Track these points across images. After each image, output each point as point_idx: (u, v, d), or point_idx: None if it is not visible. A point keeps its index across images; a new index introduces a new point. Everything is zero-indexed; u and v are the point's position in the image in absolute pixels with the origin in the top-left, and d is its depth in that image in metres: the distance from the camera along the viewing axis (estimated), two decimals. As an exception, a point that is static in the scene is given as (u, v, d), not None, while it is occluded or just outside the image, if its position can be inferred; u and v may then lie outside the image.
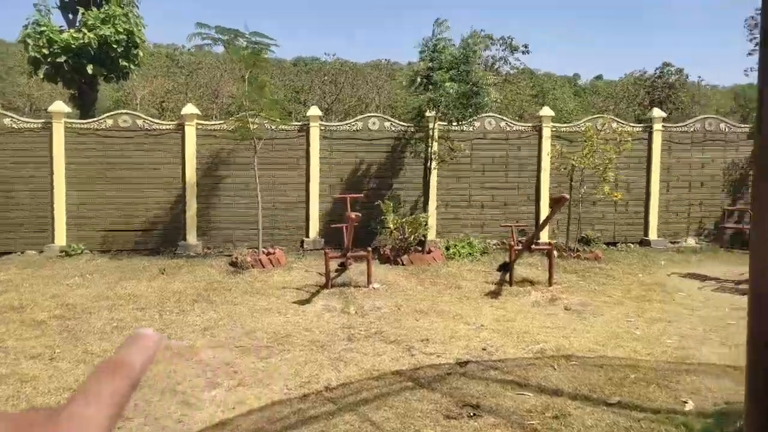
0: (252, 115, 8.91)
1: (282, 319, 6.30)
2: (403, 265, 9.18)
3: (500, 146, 11.06)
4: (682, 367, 4.74)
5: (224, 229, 10.36)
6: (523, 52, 34.18)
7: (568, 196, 6.82)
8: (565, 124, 11.40)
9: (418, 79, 9.90)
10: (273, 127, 10.13)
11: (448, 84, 9.17)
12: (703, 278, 8.58)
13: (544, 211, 11.09)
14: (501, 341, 5.50)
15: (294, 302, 6.99)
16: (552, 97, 30.39)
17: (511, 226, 9.17)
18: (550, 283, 7.90)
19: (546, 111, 11.23)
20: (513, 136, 11.09)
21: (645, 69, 31.71)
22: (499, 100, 11.78)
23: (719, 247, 10.94)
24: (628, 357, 5.04)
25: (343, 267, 8.79)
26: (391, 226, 9.35)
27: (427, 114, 10.13)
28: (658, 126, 11.25)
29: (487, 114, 10.83)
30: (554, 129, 11.16)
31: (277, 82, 29.28)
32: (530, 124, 11.28)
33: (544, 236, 10.81)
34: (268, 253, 9.23)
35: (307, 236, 10.55)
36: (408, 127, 10.74)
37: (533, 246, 8.16)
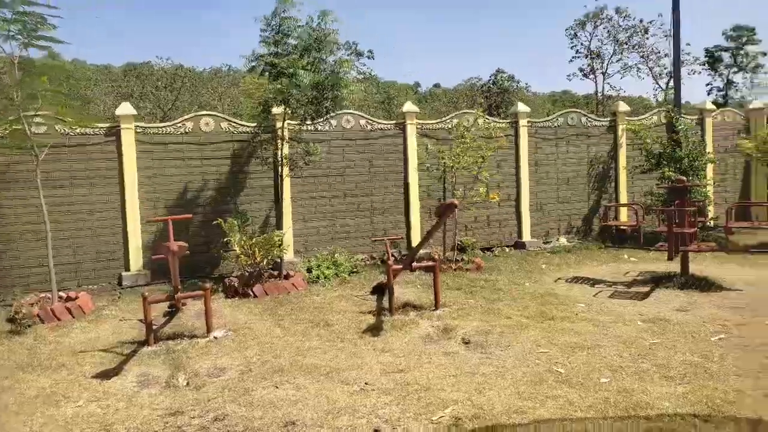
0: (28, 114, 6.45)
1: (69, 410, 4.14)
2: (255, 297, 7.29)
3: (362, 147, 9.61)
4: (643, 427, 3.53)
5: (4, 269, 7.62)
6: (368, 57, 33.61)
7: (457, 202, 5.49)
8: (433, 121, 10.28)
9: (261, 67, 8.09)
10: (68, 130, 7.67)
11: (301, 72, 7.48)
12: (591, 282, 7.82)
13: (417, 218, 9.84)
14: (398, 410, 3.92)
15: (95, 375, 4.82)
16: (398, 104, 30.12)
17: (384, 239, 7.73)
18: (436, 305, 6.55)
19: (409, 107, 10.00)
20: (375, 135, 9.70)
21: (480, 76, 32.77)
22: (361, 92, 10.36)
23: (596, 244, 10.51)
24: (567, 415, 3.74)
25: (174, 310, 6.67)
26: (237, 249, 7.41)
27: (275, 111, 8.36)
28: (524, 121, 10.58)
29: (345, 111, 9.32)
30: (420, 126, 9.98)
31: (103, 87, 25.50)
32: (393, 122, 9.98)
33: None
34: (67, 299, 6.81)
35: (127, 270, 8.18)
36: (252, 128, 8.85)
37: (415, 264, 6.79)
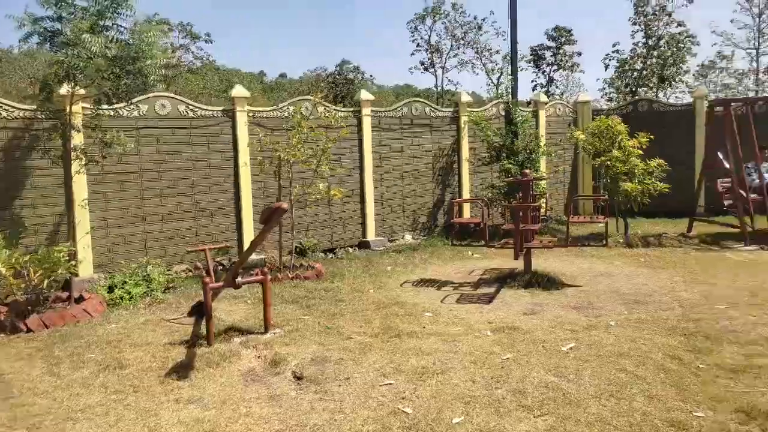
0: None
1: None
2: (28, 332, 5.65)
3: (182, 137, 8.18)
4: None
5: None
6: (206, 41, 31.11)
7: (286, 206, 4.49)
8: (266, 108, 9.13)
9: (38, 35, 6.39)
10: None
11: (88, 37, 5.94)
12: (437, 285, 7.32)
13: (250, 221, 8.66)
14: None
15: None
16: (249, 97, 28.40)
17: (205, 249, 6.48)
18: (266, 328, 5.51)
19: (239, 91, 8.75)
20: (199, 123, 8.32)
21: (325, 66, 32.20)
22: (169, 67, 8.86)
23: (441, 241, 10.13)
24: (416, 482, 2.95)
25: None
26: (2, 269, 5.69)
27: (62, 91, 6.68)
28: (367, 110, 9.86)
29: (160, 93, 7.83)
30: (252, 114, 8.78)
31: None
32: (220, 108, 8.66)
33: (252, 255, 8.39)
34: None
35: None
36: (31, 111, 7.02)
37: (239, 279, 5.64)
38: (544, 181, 10.71)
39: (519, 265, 7.34)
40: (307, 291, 7.10)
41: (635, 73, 30.36)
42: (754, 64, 34.15)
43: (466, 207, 11.08)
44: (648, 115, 12.37)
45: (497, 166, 10.81)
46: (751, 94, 29.23)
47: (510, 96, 11.50)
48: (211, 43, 29.55)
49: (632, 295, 6.35)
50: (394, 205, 10.36)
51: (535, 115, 12.09)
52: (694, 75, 35.11)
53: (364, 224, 9.94)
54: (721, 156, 9.31)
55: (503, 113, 11.55)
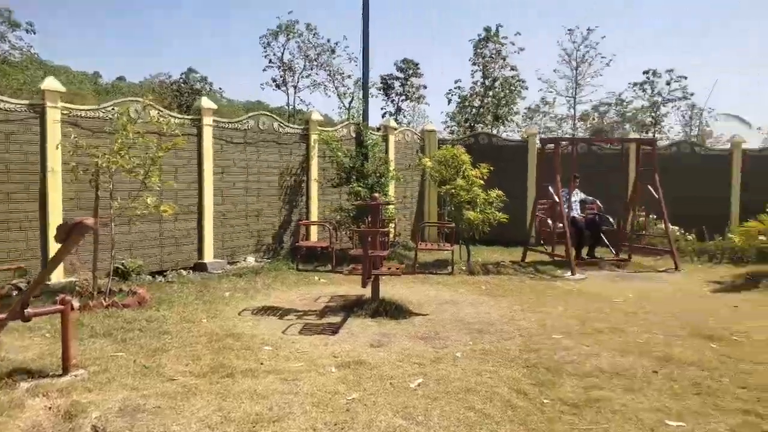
0: None
1: None
2: None
3: (-30, 133, 6.72)
4: None
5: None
6: (27, 31, 27.68)
7: (90, 221, 3.65)
8: (85, 107, 7.90)
9: None
10: None
11: None
12: (280, 313, 6.74)
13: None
14: None
15: None
16: (67, 93, 25.38)
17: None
18: (65, 369, 4.50)
19: (51, 84, 7.45)
20: (-5, 118, 6.91)
21: (170, 73, 30.64)
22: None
23: (287, 264, 9.51)
24: None
25: None
26: None
27: None
28: (209, 119, 9.03)
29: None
30: (68, 112, 7.53)
31: None
32: (25, 102, 7.30)
33: (57, 274, 7.11)
34: None
35: None
36: None
37: (29, 310, 4.55)
38: (392, 206, 10.68)
39: (367, 292, 7.04)
40: (125, 321, 6.09)
41: (474, 110, 32.69)
42: (572, 111, 38.73)
43: (314, 229, 10.65)
44: (488, 148, 13.05)
45: (347, 188, 10.56)
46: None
47: (361, 118, 11.38)
48: (34, 33, 26.03)
49: (476, 323, 6.34)
50: (237, 225, 9.57)
51: (385, 139, 12.11)
52: (522, 116, 38.88)
53: (200, 244, 9.02)
54: (551, 190, 9.99)
55: (354, 135, 11.38)
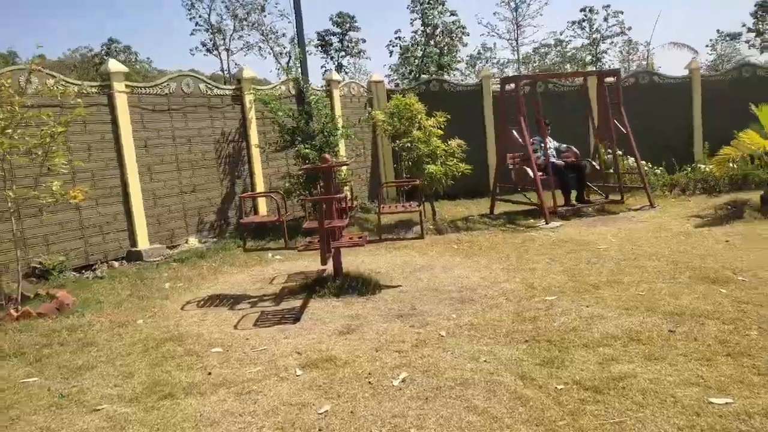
0: None
1: None
2: None
3: None
4: None
5: None
6: None
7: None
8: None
9: None
10: None
11: None
12: (231, 302, 5.81)
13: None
14: None
15: None
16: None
17: None
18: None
19: None
20: None
21: (91, 46, 28.44)
22: None
23: (235, 242, 8.46)
24: None
25: None
26: None
27: None
28: (120, 85, 7.75)
29: None
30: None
31: None
32: None
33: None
34: None
35: None
36: None
37: None
38: (346, 167, 9.73)
39: (329, 267, 6.17)
40: (41, 334, 5.04)
41: (416, 60, 31.55)
42: (515, 54, 38.07)
43: (262, 202, 9.61)
44: (440, 96, 12.15)
45: (293, 152, 9.52)
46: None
47: (300, 72, 10.24)
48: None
49: (455, 291, 5.59)
50: (172, 204, 8.44)
51: (329, 94, 11.03)
52: (465, 64, 38.01)
53: (132, 230, 7.88)
54: (515, 134, 9.24)
55: (294, 92, 10.27)
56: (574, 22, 39.95)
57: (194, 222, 8.74)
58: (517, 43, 36.66)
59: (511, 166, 9.64)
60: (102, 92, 7.56)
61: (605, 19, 38.56)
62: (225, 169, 9.20)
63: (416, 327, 4.70)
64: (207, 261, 7.71)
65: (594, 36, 39.26)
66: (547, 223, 8.48)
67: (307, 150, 9.06)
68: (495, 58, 41.51)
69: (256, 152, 9.53)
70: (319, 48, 37.35)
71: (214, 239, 8.79)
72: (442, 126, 9.10)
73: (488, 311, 4.93)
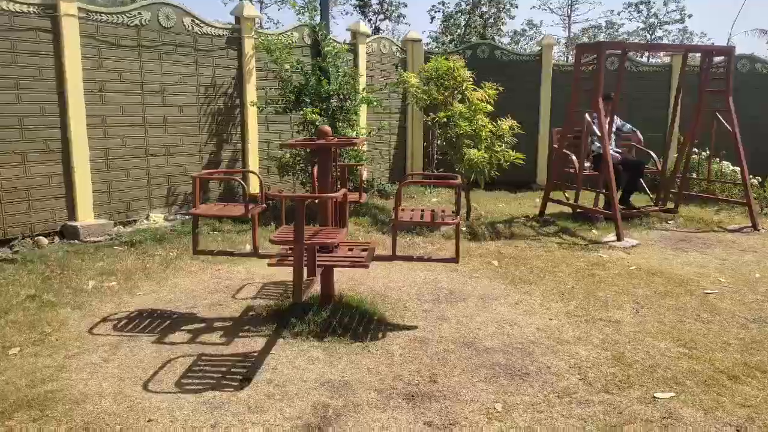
0: None
1: None
2: None
3: None
4: None
5: None
6: None
7: None
8: None
9: None
10: None
11: None
12: (164, 327, 3.93)
13: None
14: None
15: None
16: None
17: None
18: None
19: None
20: None
21: None
22: None
23: (210, 224, 6.56)
24: None
25: None
26: None
27: None
28: (70, 6, 5.80)
29: None
30: None
31: None
32: None
33: None
34: None
35: None
36: None
37: None
38: (363, 145, 7.72)
39: (317, 280, 4.22)
40: None
41: (458, 30, 29.05)
42: (566, 32, 35.21)
43: (254, 177, 7.67)
44: (489, 65, 9.99)
45: (299, 116, 7.53)
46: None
47: (318, 17, 8.16)
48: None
49: (500, 350, 3.61)
50: (133, 168, 6.55)
51: (354, 50, 8.96)
52: (509, 40, 35.32)
53: (72, 197, 6.01)
54: (588, 118, 7.10)
55: (309, 42, 8.22)
56: (630, 4, 36.92)
57: (161, 193, 6.85)
58: (569, 20, 33.82)
59: (560, 151, 7.46)
60: (43, 13, 5.63)
61: (665, 4, 35.49)
62: (210, 130, 7.26)
63: (436, 428, 2.75)
64: (164, 247, 5.83)
65: (650, 20, 36.26)
66: (618, 240, 6.39)
67: (314, 115, 7.05)
68: (540, 35, 38.67)
69: (252, 112, 7.57)
70: (357, 8, 35.02)
71: (186, 217, 6.90)
72: (493, 100, 7.01)
73: (556, 405, 2.95)
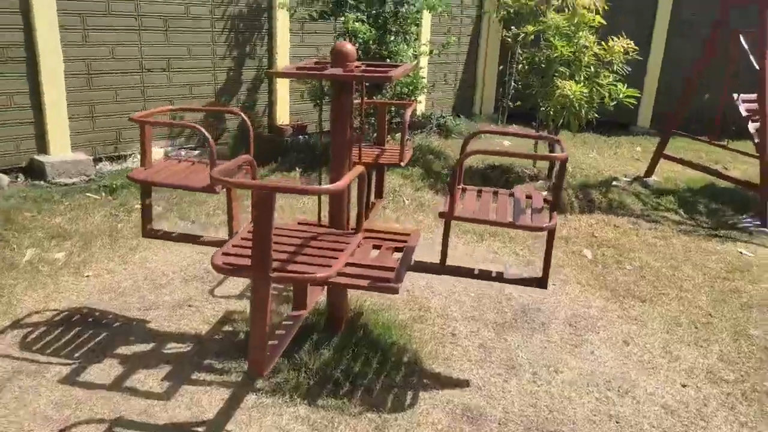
0: None
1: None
2: None
3: None
4: None
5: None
6: None
7: None
8: None
9: None
10: None
11: None
12: (101, 332, 2.64)
13: None
14: None
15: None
16: None
17: None
18: None
19: None
20: None
21: None
22: None
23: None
24: None
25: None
26: None
27: None
28: None
29: None
30: None
31: None
32: None
33: None
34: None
35: None
36: None
37: None
38: (422, 78, 5.99)
39: (320, 298, 2.79)
40: None
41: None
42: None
43: (282, 103, 6.14)
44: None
45: (340, 23, 5.80)
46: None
47: None
48: None
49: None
50: (122, 87, 5.14)
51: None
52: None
53: (42, 125, 4.72)
54: (741, 38, 5.05)
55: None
56: None
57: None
58: None
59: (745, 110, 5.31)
60: None
61: None
62: (228, 39, 5.70)
63: None
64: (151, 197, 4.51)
65: None
66: (764, 225, 4.56)
67: (357, 24, 5.32)
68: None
69: (283, 17, 5.92)
70: None
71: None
72: (604, 9, 5.05)
73: None
